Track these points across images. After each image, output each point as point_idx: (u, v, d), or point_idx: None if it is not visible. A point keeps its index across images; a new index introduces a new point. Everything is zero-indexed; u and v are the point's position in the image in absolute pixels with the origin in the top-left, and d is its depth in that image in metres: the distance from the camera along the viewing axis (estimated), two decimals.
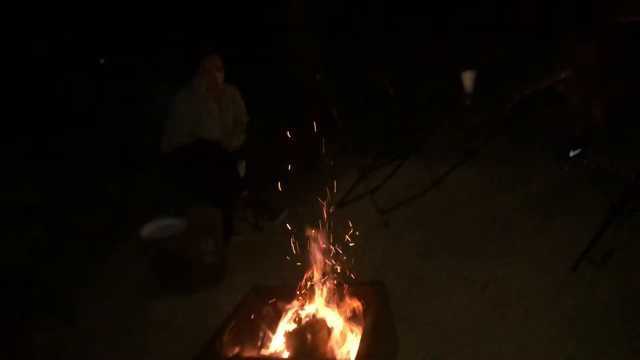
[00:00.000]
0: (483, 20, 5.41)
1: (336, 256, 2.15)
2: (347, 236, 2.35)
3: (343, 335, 2.03)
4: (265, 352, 2.08)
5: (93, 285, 3.27)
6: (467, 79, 3.22)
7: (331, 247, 2.12)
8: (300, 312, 2.07)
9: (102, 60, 7.79)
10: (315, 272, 2.09)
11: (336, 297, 2.08)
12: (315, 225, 2.13)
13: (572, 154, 3.57)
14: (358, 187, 3.85)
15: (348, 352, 1.98)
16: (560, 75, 3.24)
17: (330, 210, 2.23)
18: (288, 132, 2.84)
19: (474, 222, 3.31)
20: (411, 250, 3.13)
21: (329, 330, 2.01)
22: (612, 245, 2.65)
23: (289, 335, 2.02)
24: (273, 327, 2.14)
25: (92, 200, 4.62)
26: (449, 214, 3.47)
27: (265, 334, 2.13)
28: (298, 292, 2.11)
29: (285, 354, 2.02)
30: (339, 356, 1.95)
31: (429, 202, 3.72)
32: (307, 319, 2.03)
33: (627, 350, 2.15)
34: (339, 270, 2.15)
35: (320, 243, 2.07)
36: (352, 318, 2.07)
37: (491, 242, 3.04)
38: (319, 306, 2.08)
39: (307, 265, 2.11)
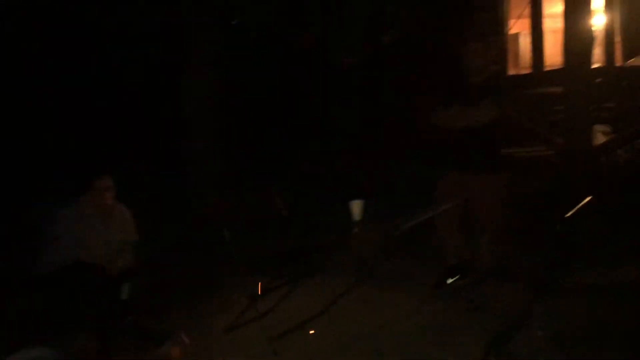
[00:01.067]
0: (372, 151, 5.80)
1: None
2: None
3: None
4: None
5: None
6: (356, 208, 3.36)
7: None
8: None
9: None
10: None
11: None
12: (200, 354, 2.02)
13: (449, 281, 3.72)
14: (249, 311, 3.76)
15: None
16: (443, 208, 3.49)
17: (218, 337, 2.14)
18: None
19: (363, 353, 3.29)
20: None
21: None
22: None
23: None
24: None
25: None
26: (338, 345, 3.44)
27: None
28: None
29: None
30: None
31: (319, 330, 3.68)
32: None
33: None
34: None
35: None
36: None
37: None
38: None
39: None
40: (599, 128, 5.58)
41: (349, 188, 4.41)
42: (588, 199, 3.01)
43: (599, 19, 8.39)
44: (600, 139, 5.52)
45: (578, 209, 2.84)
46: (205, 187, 5.77)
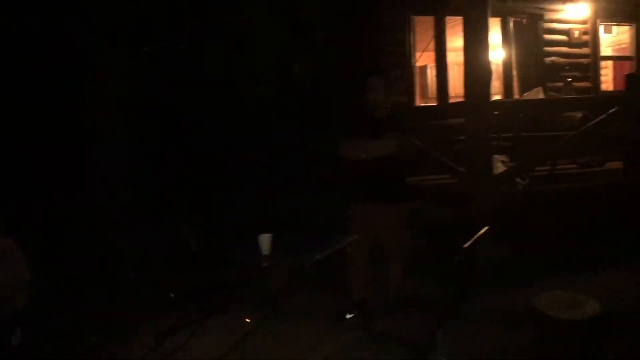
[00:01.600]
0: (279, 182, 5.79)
1: None
2: None
3: None
4: None
5: None
6: (264, 241, 3.31)
7: None
8: None
9: None
10: None
11: None
12: None
13: (348, 316, 3.76)
14: (155, 351, 3.59)
15: None
16: (350, 240, 3.52)
17: None
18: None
19: None
20: None
21: None
22: None
23: None
24: None
25: None
26: None
27: None
28: None
29: None
30: None
31: None
32: None
33: None
34: None
35: None
36: None
37: None
38: None
39: None
40: (498, 158, 5.88)
41: (259, 220, 4.37)
42: (485, 228, 3.14)
43: (497, 54, 8.95)
44: (499, 168, 5.82)
45: (476, 238, 2.95)
46: (109, 220, 5.51)
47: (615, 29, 9.89)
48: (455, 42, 7.90)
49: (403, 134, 3.70)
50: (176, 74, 6.41)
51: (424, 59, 9.04)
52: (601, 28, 9.02)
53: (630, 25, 9.15)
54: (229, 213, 5.41)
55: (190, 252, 4.02)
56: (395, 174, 3.68)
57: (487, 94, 5.60)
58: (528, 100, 7.44)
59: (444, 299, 3.53)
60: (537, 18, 8.45)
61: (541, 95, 7.38)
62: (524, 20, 8.45)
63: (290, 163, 5.79)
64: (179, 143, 6.03)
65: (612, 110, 5.86)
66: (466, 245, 2.82)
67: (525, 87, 8.38)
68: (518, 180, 5.78)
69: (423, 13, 7.96)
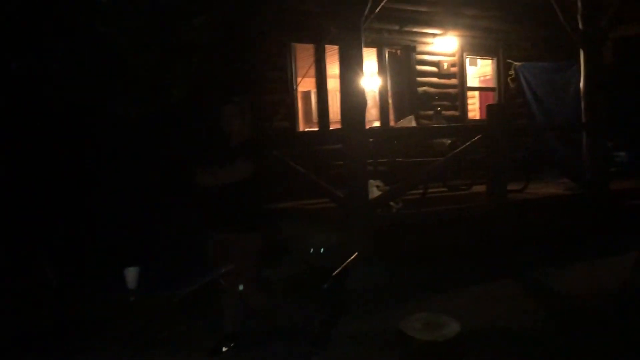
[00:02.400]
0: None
1: None
2: None
3: None
4: None
5: None
6: (130, 275, 3.16)
7: None
8: None
9: None
10: None
11: None
12: None
13: (224, 349, 3.68)
14: None
15: None
16: (221, 271, 3.45)
17: None
18: None
19: None
20: None
21: None
22: None
23: None
24: None
25: None
26: None
27: None
28: None
29: None
30: None
31: None
32: None
33: None
34: None
35: None
36: None
37: None
38: None
39: None
40: (374, 182, 6.10)
41: (126, 253, 4.16)
42: (355, 255, 3.22)
43: (374, 82, 9.37)
44: (375, 192, 6.03)
45: (345, 265, 3.02)
46: None
47: (480, 62, 10.76)
48: (335, 69, 8.18)
49: (256, 159, 3.70)
50: (45, 93, 6.00)
51: (309, 84, 9.25)
52: (467, 61, 9.77)
53: (492, 59, 10.00)
54: (93, 242, 5.10)
55: (52, 289, 3.73)
56: (249, 200, 3.66)
57: (362, 121, 5.80)
58: (401, 128, 7.83)
59: (316, 326, 3.58)
60: (410, 50, 8.97)
61: (413, 123, 7.80)
62: (398, 52, 8.93)
63: (158, 189, 5.61)
64: (40, 167, 5.60)
65: (476, 138, 6.33)
66: (334, 273, 2.87)
67: (399, 114, 8.82)
68: (392, 204, 6.02)
69: (303, 41, 8.15)
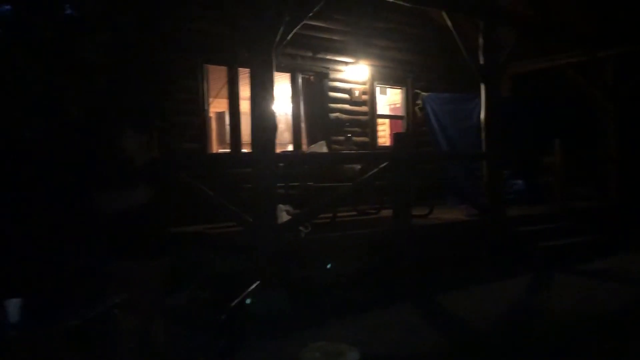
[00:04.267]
0: None
1: None
2: None
3: None
4: None
5: None
6: (12, 307, 2.94)
7: None
8: None
9: None
10: None
11: None
12: None
13: None
14: None
15: None
16: (115, 300, 3.29)
17: None
18: None
19: None
20: None
21: None
22: None
23: None
24: None
25: None
26: None
27: None
28: None
29: None
30: None
31: None
32: None
33: None
34: None
35: None
36: None
37: None
38: None
39: None
40: (283, 207, 6.10)
41: (11, 277, 3.87)
42: (256, 283, 3.18)
43: (288, 107, 9.44)
44: (284, 217, 6.04)
45: (244, 295, 2.97)
46: None
47: (389, 90, 11.15)
48: (247, 91, 8.19)
49: (159, 182, 3.58)
50: None
51: (223, 105, 9.16)
52: (378, 89, 10.09)
53: (401, 89, 10.39)
54: None
55: None
56: (152, 225, 3.53)
57: (273, 145, 5.81)
58: (312, 154, 7.90)
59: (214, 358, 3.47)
60: (323, 76, 9.14)
61: (325, 148, 7.91)
62: (312, 77, 9.08)
63: (53, 214, 5.29)
64: None
65: (383, 164, 6.51)
66: (233, 303, 2.82)
67: (312, 138, 8.92)
68: (301, 228, 6.03)
69: (216, 63, 8.09)
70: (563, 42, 9.51)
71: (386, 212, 7.70)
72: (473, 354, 4.25)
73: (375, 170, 6.57)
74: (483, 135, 7.70)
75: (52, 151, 5.47)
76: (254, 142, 5.88)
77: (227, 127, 9.88)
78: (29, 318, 2.94)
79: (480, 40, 7.62)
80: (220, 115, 10.79)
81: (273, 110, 5.81)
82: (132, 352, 3.52)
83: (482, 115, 7.71)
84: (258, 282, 3.21)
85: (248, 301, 3.31)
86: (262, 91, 5.70)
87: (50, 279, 4.36)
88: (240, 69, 8.09)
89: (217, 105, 9.74)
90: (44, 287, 3.66)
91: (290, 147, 9.83)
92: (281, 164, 6.51)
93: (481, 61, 7.60)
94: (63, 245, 5.04)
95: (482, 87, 7.66)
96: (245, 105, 8.49)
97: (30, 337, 2.93)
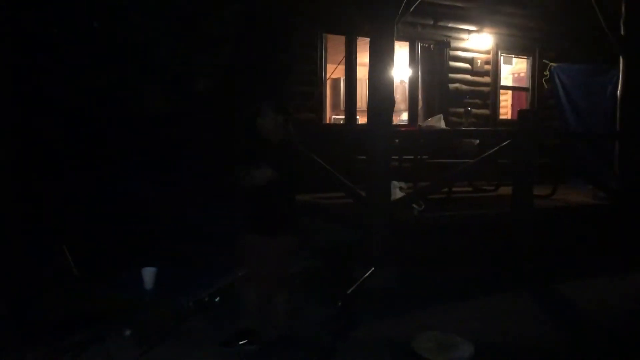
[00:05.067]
0: None
1: None
2: None
3: None
4: None
5: None
6: (148, 275, 3.19)
7: None
8: None
9: None
10: None
11: None
12: None
13: (240, 343, 3.66)
14: None
15: None
16: (238, 273, 3.45)
17: None
18: None
19: None
20: None
21: None
22: None
23: None
24: None
25: None
26: None
27: None
28: None
29: None
30: None
31: None
32: None
33: None
34: None
35: None
36: None
37: None
38: None
39: None
40: (396, 184, 6.02)
41: (143, 251, 4.17)
42: (371, 270, 3.19)
43: (405, 76, 9.22)
44: (397, 194, 5.97)
45: (360, 283, 2.99)
46: None
47: (514, 60, 10.50)
48: (366, 57, 8.10)
49: (291, 159, 3.65)
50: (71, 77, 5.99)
51: (338, 72, 9.15)
52: (502, 59, 9.54)
53: (527, 58, 9.74)
54: (114, 237, 5.10)
55: (71, 277, 3.78)
56: (277, 203, 3.62)
57: (389, 121, 5.72)
58: (429, 131, 7.58)
59: (322, 337, 3.53)
60: (444, 45, 8.78)
61: (442, 123, 7.67)
62: (432, 46, 8.76)
63: (192, 187, 5.58)
64: (63, 151, 5.62)
65: (504, 143, 6.19)
66: (349, 291, 2.85)
67: (429, 109, 8.68)
68: (415, 206, 5.94)
69: (335, 32, 8.05)
70: None
71: (505, 190, 7.35)
72: (596, 352, 4.01)
73: (496, 148, 6.26)
74: (618, 113, 7.08)
75: (184, 121, 5.74)
76: (370, 117, 5.81)
77: (342, 94, 9.88)
78: (164, 286, 3.16)
79: (623, 9, 6.90)
80: (335, 82, 10.79)
81: (392, 85, 5.70)
82: (253, 322, 3.69)
83: (619, 91, 7.07)
84: (372, 269, 3.21)
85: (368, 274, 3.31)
86: (381, 63, 5.58)
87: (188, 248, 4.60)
88: (359, 38, 8.01)
89: (333, 72, 9.75)
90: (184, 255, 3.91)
91: (404, 116, 9.65)
92: (397, 140, 6.40)
93: (622, 32, 6.91)
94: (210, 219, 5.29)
95: (621, 61, 6.99)
96: (361, 71, 8.41)
97: (163, 306, 3.17)
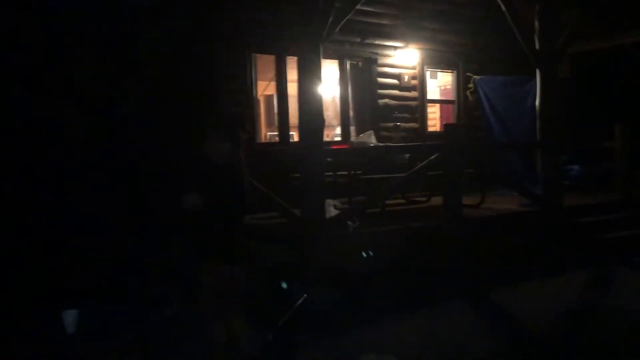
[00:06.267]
0: None
1: None
2: None
3: None
4: None
5: None
6: (69, 318, 3.04)
7: None
8: None
9: None
10: None
11: None
12: None
13: None
14: None
15: None
16: (175, 305, 3.35)
17: None
18: None
19: None
20: None
21: None
22: None
23: None
24: None
25: None
26: None
27: None
28: None
29: None
30: None
31: None
32: None
33: None
34: None
35: None
36: None
37: None
38: None
39: None
40: (330, 202, 6.06)
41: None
42: (304, 297, 3.17)
43: (336, 93, 9.30)
44: (332, 212, 6.00)
45: (292, 312, 2.96)
46: None
47: (439, 74, 10.84)
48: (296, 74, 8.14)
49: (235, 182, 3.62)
50: None
51: (271, 88, 9.12)
52: (428, 73, 9.83)
53: (452, 72, 10.08)
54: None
55: None
56: (223, 229, 3.55)
57: (320, 140, 5.78)
58: (360, 149, 7.62)
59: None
60: (372, 62, 8.96)
61: (373, 138, 7.78)
62: (360, 63, 8.90)
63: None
64: None
65: (433, 157, 6.36)
66: (281, 321, 2.81)
67: (361, 124, 8.80)
68: (349, 222, 5.98)
69: (264, 52, 8.04)
70: (629, 20, 8.97)
71: (436, 200, 7.55)
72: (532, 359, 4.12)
73: (426, 162, 6.42)
74: (538, 123, 7.41)
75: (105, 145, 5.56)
76: (302, 137, 5.85)
77: (275, 110, 9.86)
78: (90, 327, 3.02)
79: (536, 24, 7.26)
80: (269, 99, 10.77)
81: (321, 104, 5.75)
82: (196, 352, 3.58)
83: (537, 101, 7.40)
84: (305, 296, 3.19)
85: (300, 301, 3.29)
86: (309, 83, 5.66)
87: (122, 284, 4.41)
88: (288, 57, 8.04)
89: (266, 89, 9.72)
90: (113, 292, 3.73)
91: (338, 130, 9.72)
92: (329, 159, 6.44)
93: (537, 46, 7.26)
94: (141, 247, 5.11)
95: (538, 74, 7.34)
96: (293, 88, 8.41)
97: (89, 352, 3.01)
